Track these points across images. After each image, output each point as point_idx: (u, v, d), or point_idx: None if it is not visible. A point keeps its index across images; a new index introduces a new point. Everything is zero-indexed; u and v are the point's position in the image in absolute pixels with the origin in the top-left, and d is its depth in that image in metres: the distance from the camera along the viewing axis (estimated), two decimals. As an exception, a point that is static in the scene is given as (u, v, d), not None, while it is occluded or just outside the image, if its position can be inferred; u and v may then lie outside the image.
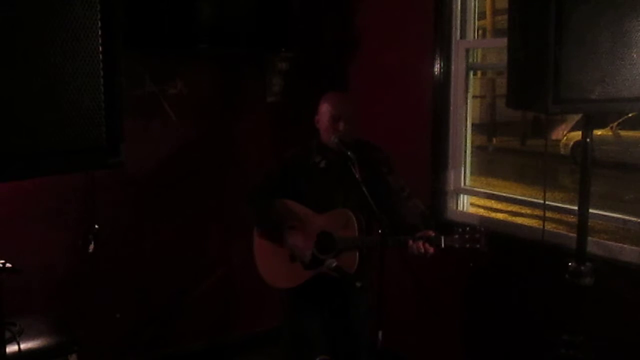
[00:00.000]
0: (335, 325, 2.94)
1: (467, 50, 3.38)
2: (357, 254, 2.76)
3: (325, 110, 2.85)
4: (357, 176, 2.64)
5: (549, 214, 2.94)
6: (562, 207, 3.03)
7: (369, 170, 2.78)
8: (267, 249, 2.94)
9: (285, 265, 2.87)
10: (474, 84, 3.65)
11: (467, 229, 2.60)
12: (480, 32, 11.49)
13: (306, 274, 2.84)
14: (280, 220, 2.86)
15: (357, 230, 2.76)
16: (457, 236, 2.60)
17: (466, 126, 3.44)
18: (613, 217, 2.88)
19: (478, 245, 2.57)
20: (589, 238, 2.44)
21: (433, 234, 2.62)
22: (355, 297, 2.91)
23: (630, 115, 8.19)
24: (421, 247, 2.59)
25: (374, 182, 2.76)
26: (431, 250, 2.60)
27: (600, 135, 8.96)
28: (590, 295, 2.34)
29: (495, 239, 2.66)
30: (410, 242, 2.60)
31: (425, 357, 3.60)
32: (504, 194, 3.75)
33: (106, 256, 3.27)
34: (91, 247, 3.08)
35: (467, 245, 2.58)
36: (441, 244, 2.60)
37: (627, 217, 2.81)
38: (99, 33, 1.66)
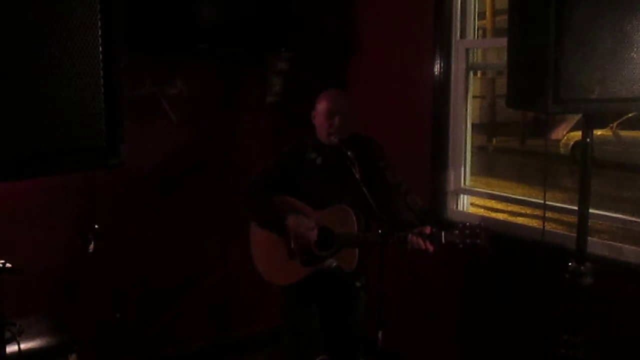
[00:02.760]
0: (332, 322, 2.94)
1: (467, 50, 3.38)
2: (357, 251, 2.76)
3: (322, 106, 2.86)
4: (357, 176, 2.64)
5: (549, 214, 2.94)
6: (562, 207, 3.03)
7: (367, 165, 2.78)
8: (264, 245, 2.93)
9: (283, 262, 2.87)
10: (474, 84, 3.65)
11: (467, 224, 2.59)
12: (480, 32, 11.50)
13: (304, 270, 2.83)
14: (278, 214, 2.85)
15: (357, 227, 2.76)
16: (457, 232, 2.57)
17: (466, 126, 3.44)
18: (613, 217, 2.88)
19: (478, 240, 2.55)
20: (589, 238, 2.43)
21: (429, 231, 2.61)
22: (353, 295, 2.91)
23: (630, 115, 8.22)
24: (421, 242, 2.58)
25: (372, 177, 2.76)
26: (431, 248, 2.59)
27: (600, 135, 8.98)
28: (590, 295, 2.34)
29: (495, 239, 2.66)
30: (410, 236, 2.59)
31: (425, 357, 3.60)
32: (504, 194, 3.75)
33: (106, 256, 3.27)
34: (91, 247, 3.08)
35: (468, 241, 2.55)
36: (442, 240, 2.59)
37: (627, 217, 2.81)
38: (99, 33, 1.66)
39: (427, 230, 2.60)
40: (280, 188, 2.91)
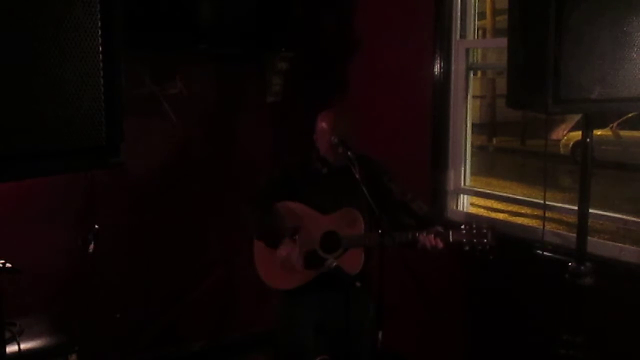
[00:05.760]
0: (334, 324, 2.93)
1: (467, 50, 3.38)
2: (363, 254, 2.76)
3: (323, 130, 2.88)
4: (357, 176, 2.64)
5: (549, 214, 2.94)
6: (562, 207, 3.03)
7: (371, 179, 2.80)
8: (267, 249, 2.93)
9: (286, 266, 2.87)
10: (474, 84, 3.65)
11: (474, 224, 2.61)
12: (480, 32, 11.50)
13: (308, 274, 2.83)
14: (279, 224, 2.85)
15: (364, 228, 2.77)
16: (464, 231, 2.60)
17: (466, 126, 3.44)
18: (613, 217, 2.88)
19: (485, 240, 2.57)
20: (589, 238, 2.43)
21: (442, 230, 2.63)
22: (355, 297, 2.91)
23: (630, 115, 8.21)
24: (432, 240, 2.60)
25: (377, 188, 2.79)
26: (441, 245, 2.60)
27: (600, 135, 8.97)
28: (590, 295, 2.34)
29: (496, 239, 2.66)
30: (422, 235, 2.62)
31: (425, 357, 3.60)
32: (504, 194, 3.75)
33: (106, 256, 3.26)
34: (91, 247, 3.07)
35: (475, 240, 2.58)
36: (449, 239, 2.60)
37: (627, 217, 2.81)
38: (99, 33, 1.66)
39: (439, 228, 2.64)
40: (285, 196, 2.92)
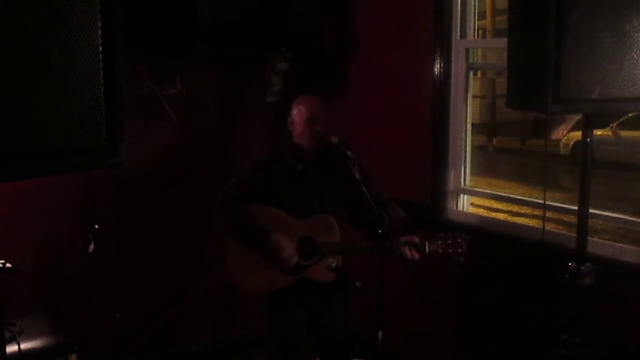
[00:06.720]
0: (328, 325, 2.93)
1: (467, 50, 3.38)
2: (341, 258, 2.75)
3: (300, 113, 2.82)
4: (357, 176, 2.62)
5: (549, 214, 2.94)
6: (562, 207, 3.03)
7: (344, 174, 2.71)
8: (240, 254, 2.83)
9: (262, 271, 2.79)
10: (474, 84, 3.65)
11: (450, 234, 2.63)
12: (480, 32, 11.48)
13: (286, 279, 2.78)
14: (260, 228, 2.78)
15: (340, 236, 2.76)
16: (440, 242, 2.62)
17: (466, 126, 3.44)
18: (613, 217, 2.88)
19: (460, 250, 2.60)
20: (589, 238, 2.44)
21: (418, 240, 2.63)
22: (332, 297, 2.90)
23: (630, 115, 8.21)
24: (408, 253, 2.61)
25: (348, 186, 2.72)
26: (417, 256, 2.61)
27: (600, 135, 8.96)
28: (590, 295, 2.34)
29: (495, 239, 2.65)
30: (398, 246, 2.62)
31: (425, 357, 3.60)
32: (504, 194, 3.75)
33: (106, 256, 3.27)
34: (91, 247, 3.08)
35: (450, 250, 2.61)
36: (425, 250, 2.62)
37: (627, 217, 2.81)
38: (99, 33, 1.67)
39: (415, 239, 2.63)
40: (258, 196, 2.84)
